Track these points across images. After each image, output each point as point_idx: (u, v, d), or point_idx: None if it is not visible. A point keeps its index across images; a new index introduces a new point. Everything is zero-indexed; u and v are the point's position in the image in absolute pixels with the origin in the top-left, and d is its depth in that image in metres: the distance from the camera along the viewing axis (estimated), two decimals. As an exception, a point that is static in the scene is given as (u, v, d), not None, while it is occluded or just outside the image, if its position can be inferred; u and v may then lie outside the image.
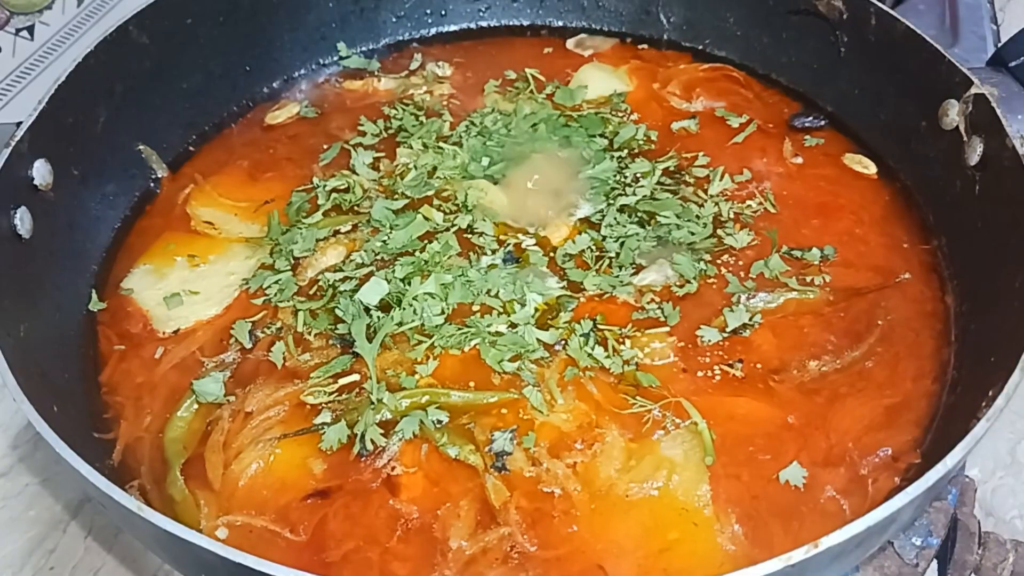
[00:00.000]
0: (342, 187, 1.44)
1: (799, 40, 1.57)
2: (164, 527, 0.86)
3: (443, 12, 1.77)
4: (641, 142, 1.51)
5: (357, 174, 1.47)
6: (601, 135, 1.52)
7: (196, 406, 1.18)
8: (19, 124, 1.20)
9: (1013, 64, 1.54)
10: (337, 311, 1.24)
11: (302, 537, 1.06)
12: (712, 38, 1.68)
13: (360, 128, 1.56)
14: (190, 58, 1.52)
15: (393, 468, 1.11)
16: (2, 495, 1.35)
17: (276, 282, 1.30)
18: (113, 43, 1.37)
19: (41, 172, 1.21)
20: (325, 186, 1.44)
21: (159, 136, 1.49)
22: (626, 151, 1.49)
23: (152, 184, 1.48)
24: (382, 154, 1.51)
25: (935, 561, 1.15)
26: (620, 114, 1.57)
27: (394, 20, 1.75)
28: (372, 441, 1.11)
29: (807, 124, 1.55)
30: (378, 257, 1.32)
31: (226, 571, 0.85)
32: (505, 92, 1.64)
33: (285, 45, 1.67)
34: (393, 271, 1.27)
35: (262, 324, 1.27)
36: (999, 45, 1.77)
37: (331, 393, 1.17)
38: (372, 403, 1.14)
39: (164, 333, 1.28)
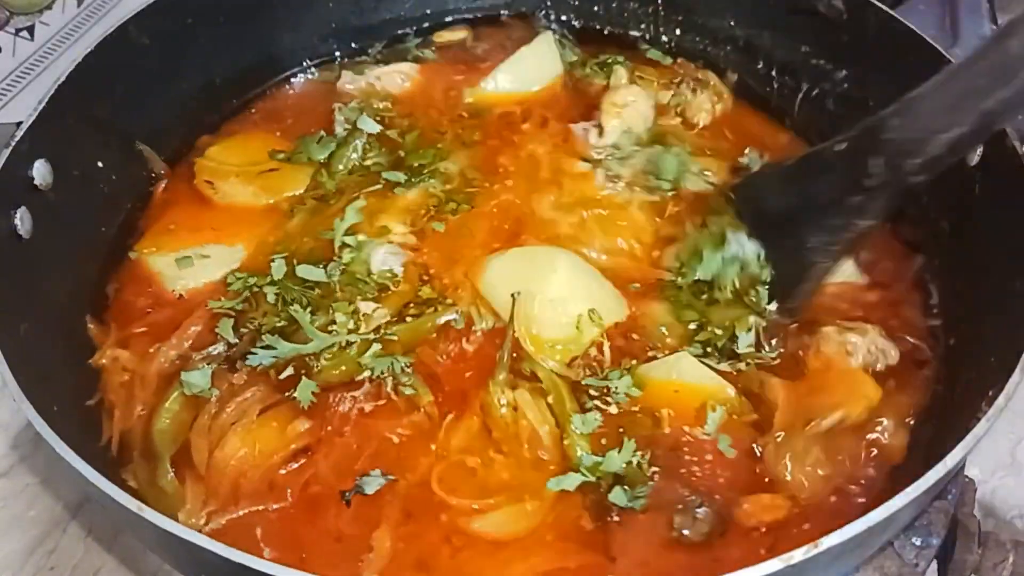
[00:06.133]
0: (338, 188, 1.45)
1: (799, 40, 1.57)
2: (164, 527, 0.86)
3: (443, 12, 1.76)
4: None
5: (356, 174, 1.47)
6: None
7: (184, 397, 1.18)
8: (19, 124, 1.20)
9: (1013, 64, 1.54)
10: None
11: (288, 501, 1.10)
12: (712, 38, 1.68)
13: (360, 127, 1.55)
14: (190, 58, 1.53)
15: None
16: (2, 495, 1.35)
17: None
18: (113, 43, 1.37)
19: (41, 172, 1.21)
20: (325, 183, 1.45)
21: (159, 136, 1.49)
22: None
23: (152, 184, 1.48)
24: (380, 151, 1.51)
25: (935, 561, 1.15)
26: None
27: (394, 20, 1.75)
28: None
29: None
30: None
31: (226, 571, 0.85)
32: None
33: (285, 45, 1.67)
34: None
35: (243, 321, 1.26)
36: (999, 45, 1.76)
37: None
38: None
39: (174, 292, 1.32)
